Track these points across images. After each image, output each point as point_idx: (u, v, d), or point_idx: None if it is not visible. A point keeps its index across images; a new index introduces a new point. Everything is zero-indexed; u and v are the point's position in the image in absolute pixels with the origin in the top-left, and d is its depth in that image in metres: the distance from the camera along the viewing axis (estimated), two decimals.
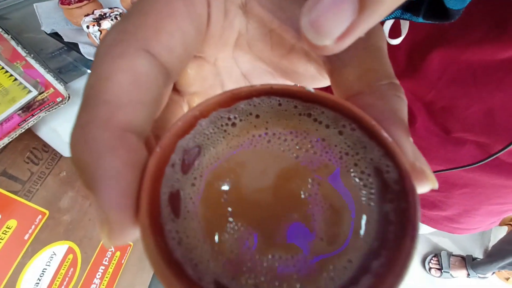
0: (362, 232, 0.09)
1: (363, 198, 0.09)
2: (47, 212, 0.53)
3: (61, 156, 0.56)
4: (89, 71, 0.46)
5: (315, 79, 0.13)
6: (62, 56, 0.55)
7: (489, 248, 1.04)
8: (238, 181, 0.10)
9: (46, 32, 0.52)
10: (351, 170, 0.09)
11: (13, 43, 0.48)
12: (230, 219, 0.09)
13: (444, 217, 0.41)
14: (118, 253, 0.77)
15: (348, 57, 0.10)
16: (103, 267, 0.71)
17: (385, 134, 0.08)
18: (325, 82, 0.13)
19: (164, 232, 0.08)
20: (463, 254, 1.05)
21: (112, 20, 0.41)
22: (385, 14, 0.07)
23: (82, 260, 0.63)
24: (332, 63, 0.10)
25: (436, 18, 0.13)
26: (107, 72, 0.08)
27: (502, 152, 0.24)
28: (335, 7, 0.07)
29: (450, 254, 1.05)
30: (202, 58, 0.12)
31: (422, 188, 0.09)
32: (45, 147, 0.53)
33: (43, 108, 0.34)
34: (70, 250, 0.60)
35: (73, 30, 0.52)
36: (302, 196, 0.09)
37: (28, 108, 0.34)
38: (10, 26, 0.56)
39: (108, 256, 0.72)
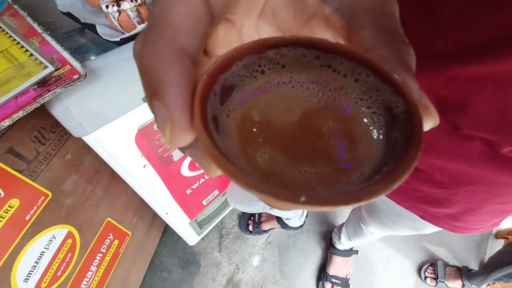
0: (374, 152, 0.10)
1: (375, 130, 0.11)
2: (50, 193, 0.52)
3: (68, 138, 0.55)
4: (103, 52, 0.45)
5: None
6: (75, 37, 0.54)
7: (485, 260, 1.05)
8: (266, 116, 0.11)
9: (62, 12, 0.51)
10: (366, 110, 0.11)
11: (29, 20, 0.47)
12: (262, 142, 0.11)
13: (446, 214, 0.41)
14: (116, 242, 0.76)
15: (365, 20, 0.11)
16: (100, 255, 0.70)
17: (395, 76, 0.10)
18: None
19: (213, 138, 0.09)
20: (459, 265, 1.05)
21: (132, 1, 0.41)
22: None
23: (80, 246, 0.62)
24: (350, 27, 0.12)
25: None
26: (170, 3, 0.09)
27: None
28: None
29: (446, 264, 1.05)
30: (231, 22, 0.13)
31: (426, 122, 0.10)
32: (53, 128, 0.52)
33: (59, 84, 0.33)
34: (69, 235, 0.59)
35: (88, 12, 0.51)
36: (324, 130, 0.11)
37: (44, 84, 0.34)
38: (24, 5, 0.55)
39: (107, 244, 0.71)
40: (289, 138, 0.11)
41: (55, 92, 0.33)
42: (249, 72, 0.11)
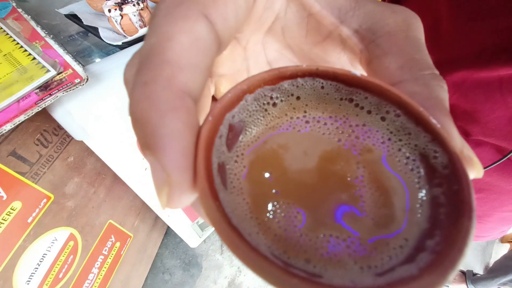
0: (412, 214, 0.09)
1: (412, 181, 0.09)
2: (52, 196, 0.52)
3: (70, 140, 0.56)
4: (106, 56, 0.45)
5: (346, 69, 0.13)
6: (78, 40, 0.55)
7: (490, 265, 1.03)
8: (280, 162, 0.10)
9: (64, 14, 0.51)
10: (396, 155, 0.09)
11: (32, 23, 0.47)
12: (275, 196, 0.09)
13: None
14: (118, 244, 0.76)
15: (388, 46, 0.10)
16: (102, 257, 0.70)
17: (433, 121, 0.08)
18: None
19: (219, 199, 0.08)
20: (464, 269, 1.03)
21: (134, 5, 0.41)
22: None
23: (82, 248, 0.63)
24: (371, 52, 0.10)
25: None
26: (169, 32, 0.07)
27: None
28: None
29: None
30: (236, 39, 0.12)
31: (470, 175, 0.09)
32: (55, 131, 0.52)
33: (61, 88, 0.33)
34: (71, 237, 0.59)
35: (92, 14, 0.52)
36: (348, 178, 0.09)
37: (46, 88, 0.34)
38: (28, 9, 0.55)
39: (108, 246, 0.71)
40: (307, 189, 0.09)
41: (57, 96, 0.33)
42: (259, 106, 0.10)
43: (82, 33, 0.56)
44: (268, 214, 0.09)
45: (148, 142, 0.07)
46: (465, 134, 0.29)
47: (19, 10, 0.54)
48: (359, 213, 0.09)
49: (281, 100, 0.10)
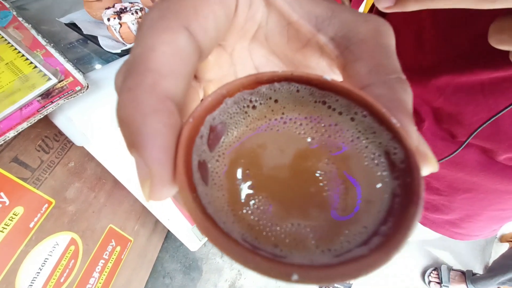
0: (372, 204, 0.09)
1: (374, 176, 0.10)
2: (53, 201, 0.53)
3: (71, 146, 0.57)
4: (106, 62, 0.46)
5: (325, 73, 0.14)
6: (78, 48, 0.56)
7: (489, 265, 1.03)
8: (257, 160, 0.10)
9: (65, 23, 0.53)
10: (363, 152, 0.10)
11: (33, 32, 0.49)
12: (251, 191, 0.10)
13: (446, 221, 0.42)
14: (118, 248, 0.76)
15: (360, 52, 0.11)
16: (103, 261, 0.70)
17: (394, 120, 0.09)
18: (334, 76, 0.14)
19: (197, 191, 0.08)
20: (463, 269, 1.04)
21: (132, 14, 0.42)
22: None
23: (83, 252, 0.63)
24: (345, 57, 0.11)
25: None
26: (153, 43, 0.08)
27: (468, 140, 0.25)
28: None
29: (450, 268, 1.04)
30: (222, 47, 0.13)
31: (425, 168, 0.10)
32: (56, 137, 0.53)
33: (62, 96, 0.34)
34: (72, 241, 0.60)
35: (91, 23, 0.53)
36: (318, 173, 0.10)
37: (48, 95, 0.35)
38: (28, 17, 0.56)
39: (109, 250, 0.72)
40: (280, 183, 0.10)
41: (58, 104, 0.34)
42: (239, 109, 0.10)
43: (82, 40, 0.57)
44: (243, 207, 0.09)
45: (132, 141, 0.08)
46: (451, 136, 0.30)
47: (20, 19, 0.55)
48: (325, 203, 0.10)
49: (260, 103, 0.11)
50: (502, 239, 1.15)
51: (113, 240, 0.73)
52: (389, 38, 0.11)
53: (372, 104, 0.09)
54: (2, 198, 0.44)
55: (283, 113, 0.11)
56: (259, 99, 0.11)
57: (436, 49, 0.26)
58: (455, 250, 1.12)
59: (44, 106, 0.34)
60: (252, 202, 0.10)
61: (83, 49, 0.54)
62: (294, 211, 0.09)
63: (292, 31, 0.12)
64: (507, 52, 0.12)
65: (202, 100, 0.09)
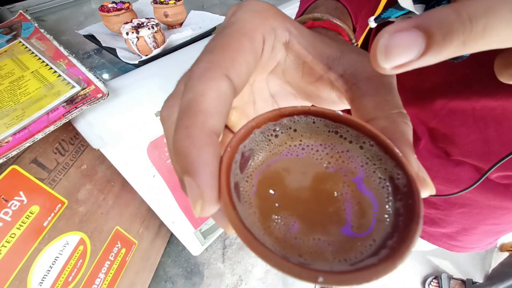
0: (381, 221, 0.11)
1: (382, 197, 0.11)
2: (66, 201, 0.56)
3: (84, 149, 0.60)
4: (120, 72, 0.50)
5: (335, 103, 0.16)
6: (94, 57, 0.60)
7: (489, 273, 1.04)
8: (282, 181, 0.12)
9: (83, 35, 0.57)
10: (371, 176, 0.12)
11: (55, 43, 0.52)
12: (277, 209, 0.11)
13: (443, 234, 0.43)
14: (123, 250, 0.78)
15: (367, 89, 0.13)
16: (108, 262, 0.72)
17: (396, 150, 0.11)
18: (343, 106, 0.16)
19: (236, 209, 0.10)
20: (464, 277, 1.04)
21: (149, 29, 0.46)
22: (437, 60, 0.09)
23: (90, 253, 0.65)
24: (353, 92, 0.13)
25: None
26: (203, 90, 0.10)
27: (489, 172, 0.27)
28: (407, 44, 0.09)
29: (450, 277, 1.04)
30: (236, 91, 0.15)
31: (424, 192, 0.11)
32: (72, 140, 0.56)
33: (85, 102, 0.37)
34: (81, 241, 0.62)
35: (108, 35, 0.57)
36: (335, 194, 0.12)
37: (72, 101, 0.38)
38: (46, 28, 0.61)
39: (114, 252, 0.74)
40: (302, 203, 0.11)
41: (82, 109, 0.37)
42: (264, 137, 0.12)
43: (97, 51, 0.61)
44: (271, 223, 0.11)
45: (188, 169, 0.09)
46: (446, 154, 0.32)
47: (42, 30, 0.59)
48: (342, 221, 0.11)
49: (282, 132, 0.13)
50: (502, 248, 1.15)
51: (119, 242, 0.75)
52: (391, 76, 0.13)
53: (378, 135, 0.11)
54: (21, 197, 0.46)
55: (301, 141, 0.13)
56: (281, 129, 0.13)
57: (433, 74, 0.28)
58: (455, 259, 1.12)
59: (69, 111, 0.37)
60: (278, 218, 0.11)
61: (100, 59, 0.57)
62: (315, 227, 0.11)
63: (307, 68, 0.14)
64: (500, 82, 0.12)
65: (236, 132, 0.11)
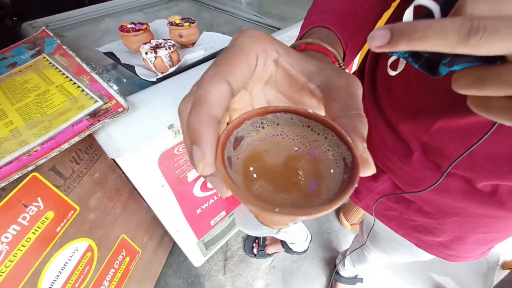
0: (332, 186, 0.15)
1: (335, 171, 0.15)
2: (78, 208, 0.58)
3: (98, 158, 0.63)
4: (136, 87, 0.54)
5: (316, 108, 0.19)
6: (111, 72, 0.64)
7: None
8: (261, 158, 0.16)
9: (103, 52, 0.61)
10: (330, 157, 0.16)
11: (78, 59, 0.57)
12: (255, 177, 0.15)
13: (438, 243, 0.45)
14: (127, 259, 0.79)
15: (335, 96, 0.17)
16: (113, 270, 0.73)
17: (348, 139, 0.15)
18: (321, 110, 0.20)
19: (227, 171, 0.14)
20: None
21: (166, 49, 0.50)
22: (396, 49, 0.13)
23: (97, 260, 0.67)
24: (326, 99, 0.17)
25: (427, 71, 0.18)
26: (209, 89, 0.14)
27: (446, 172, 0.30)
28: (379, 35, 0.13)
29: None
30: (245, 88, 0.18)
31: (366, 170, 0.15)
32: (87, 150, 0.59)
33: (107, 115, 0.41)
34: (89, 248, 0.64)
35: (126, 53, 0.61)
36: (299, 169, 0.16)
37: (95, 115, 0.41)
38: (66, 43, 0.65)
39: (119, 260, 0.75)
40: (275, 174, 0.15)
41: (104, 122, 0.41)
42: (253, 127, 0.16)
43: (113, 65, 0.66)
44: (252, 185, 0.15)
45: (195, 140, 0.13)
46: (437, 166, 0.35)
47: (64, 47, 0.64)
48: (302, 187, 0.15)
49: (267, 125, 0.17)
50: (504, 266, 1.15)
51: (123, 250, 0.77)
52: (356, 88, 0.17)
53: (337, 129, 0.15)
54: (38, 202, 0.49)
55: (282, 131, 0.17)
56: (266, 122, 0.17)
57: (421, 96, 0.32)
58: (457, 276, 1.12)
59: (92, 124, 0.40)
60: (257, 183, 0.15)
61: (117, 74, 0.62)
62: (281, 190, 0.15)
63: (292, 80, 0.18)
64: None
65: (232, 121, 0.15)
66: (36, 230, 0.50)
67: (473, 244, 0.43)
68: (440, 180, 0.34)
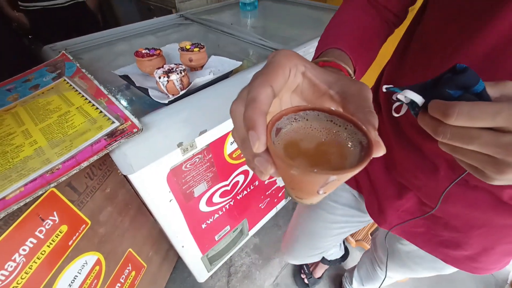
0: (353, 160, 0.19)
1: (356, 151, 0.20)
2: (89, 222, 0.61)
3: (110, 174, 0.66)
4: (147, 108, 0.58)
5: (333, 107, 0.24)
6: (124, 93, 0.68)
7: None
8: (297, 144, 0.20)
9: (119, 75, 0.66)
10: (350, 142, 0.20)
11: (96, 82, 0.61)
12: (292, 155, 0.20)
13: (466, 256, 0.46)
14: (133, 273, 0.81)
15: (351, 100, 0.21)
16: (119, 284, 0.75)
17: (364, 127, 0.19)
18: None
19: (276, 148, 0.19)
20: None
21: (178, 74, 0.54)
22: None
23: (105, 274, 0.68)
24: (344, 102, 0.21)
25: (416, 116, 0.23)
26: (258, 92, 0.19)
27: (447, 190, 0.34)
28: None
29: None
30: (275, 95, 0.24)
31: (378, 150, 0.18)
32: (100, 166, 0.63)
33: (123, 136, 0.44)
34: (98, 262, 0.65)
35: (140, 76, 0.66)
36: (328, 151, 0.20)
37: (112, 135, 0.45)
38: (83, 65, 0.70)
39: (125, 274, 0.76)
40: (308, 155, 0.20)
41: (120, 142, 0.44)
42: (289, 121, 0.21)
43: (126, 86, 0.70)
44: (290, 160, 0.18)
45: (252, 126, 0.17)
46: (466, 181, 0.37)
47: (83, 70, 0.69)
48: (331, 162, 0.19)
49: (299, 120, 0.21)
50: None
51: (130, 264, 0.78)
52: (367, 92, 0.21)
53: (355, 121, 0.20)
54: (54, 216, 0.52)
55: (311, 125, 0.21)
56: (298, 118, 0.21)
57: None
58: None
59: (109, 144, 0.43)
60: (295, 160, 0.19)
61: (131, 95, 0.66)
62: (315, 165, 0.19)
63: (316, 88, 0.23)
64: None
65: (274, 116, 0.20)
66: (51, 243, 0.52)
67: (499, 255, 0.44)
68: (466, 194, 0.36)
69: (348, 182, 0.58)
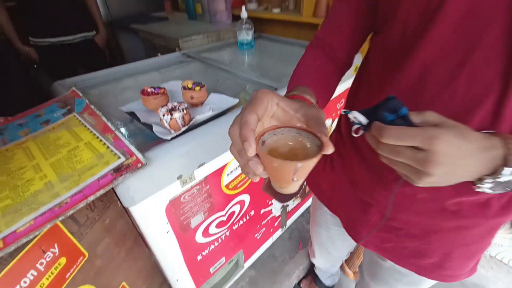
0: (313, 156, 0.27)
1: (313, 151, 0.29)
2: (87, 254, 0.61)
3: (109, 206, 0.68)
4: (148, 141, 0.62)
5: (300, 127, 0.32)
6: (128, 127, 0.73)
7: None
8: (276, 149, 0.30)
9: (125, 112, 0.71)
10: (310, 146, 0.30)
11: (104, 119, 0.66)
12: (273, 157, 0.27)
13: (433, 264, 0.49)
14: None
15: (311, 119, 0.30)
16: None
17: (319, 135, 0.29)
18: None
19: (263, 152, 0.27)
20: None
21: (180, 112, 0.59)
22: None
23: None
24: (306, 123, 0.30)
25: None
26: (248, 117, 0.27)
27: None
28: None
29: None
30: (260, 120, 0.30)
31: (328, 149, 0.27)
32: (101, 198, 0.65)
33: (128, 170, 0.48)
34: None
35: (145, 112, 0.71)
36: (296, 152, 0.30)
37: (118, 170, 0.48)
38: (90, 100, 0.76)
39: None
40: (284, 155, 0.29)
41: (125, 177, 0.47)
42: (269, 136, 0.30)
43: (130, 120, 0.75)
44: (272, 157, 0.26)
45: (245, 139, 0.26)
46: (412, 191, 0.43)
47: (92, 106, 0.74)
48: (299, 158, 0.28)
49: (276, 134, 0.30)
50: None
51: None
52: (322, 115, 0.30)
53: (313, 132, 0.29)
54: (55, 248, 0.53)
55: (284, 137, 0.30)
56: (276, 133, 0.31)
57: None
58: None
59: (115, 178, 0.47)
60: (274, 160, 0.26)
61: (135, 129, 0.71)
62: (288, 160, 0.26)
63: (287, 113, 0.31)
64: None
65: (259, 132, 0.29)
66: (50, 276, 0.53)
67: (461, 259, 0.47)
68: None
69: (327, 206, 0.67)
